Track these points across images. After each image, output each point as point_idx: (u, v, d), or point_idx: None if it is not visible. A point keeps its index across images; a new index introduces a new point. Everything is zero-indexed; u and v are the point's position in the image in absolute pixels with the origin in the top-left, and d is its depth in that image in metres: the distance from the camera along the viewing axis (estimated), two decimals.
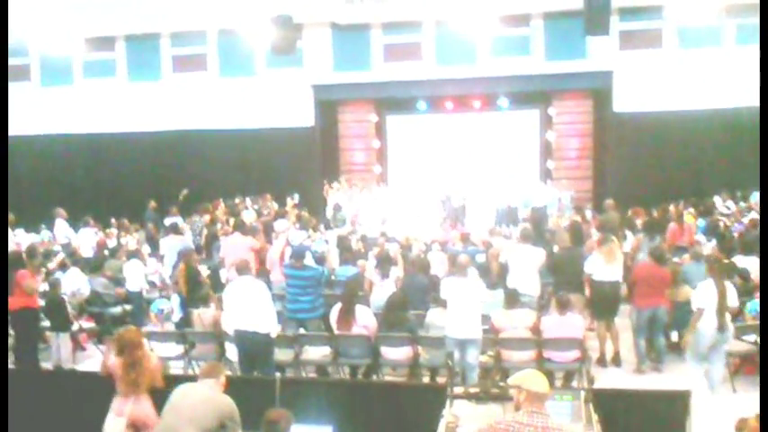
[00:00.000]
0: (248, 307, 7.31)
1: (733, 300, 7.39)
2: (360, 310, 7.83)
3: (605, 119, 17.35)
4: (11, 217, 13.52)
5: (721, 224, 12.38)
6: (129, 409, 5.44)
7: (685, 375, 7.83)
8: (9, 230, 13.57)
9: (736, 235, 11.80)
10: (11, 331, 8.67)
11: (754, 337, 7.72)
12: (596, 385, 6.04)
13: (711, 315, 7.24)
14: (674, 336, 8.79)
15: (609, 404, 5.03)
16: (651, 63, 16.34)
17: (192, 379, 5.46)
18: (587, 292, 8.76)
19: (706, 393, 7.16)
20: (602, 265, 8.59)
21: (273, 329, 7.41)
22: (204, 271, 10.54)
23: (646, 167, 16.25)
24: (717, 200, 14.47)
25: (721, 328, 7.22)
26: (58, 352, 8.87)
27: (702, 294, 7.34)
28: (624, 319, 8.80)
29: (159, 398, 5.19)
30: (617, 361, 8.63)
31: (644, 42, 16.40)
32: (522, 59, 16.77)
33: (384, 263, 9.35)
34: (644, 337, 8.33)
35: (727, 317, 7.28)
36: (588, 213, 14.92)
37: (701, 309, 7.28)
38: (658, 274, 8.31)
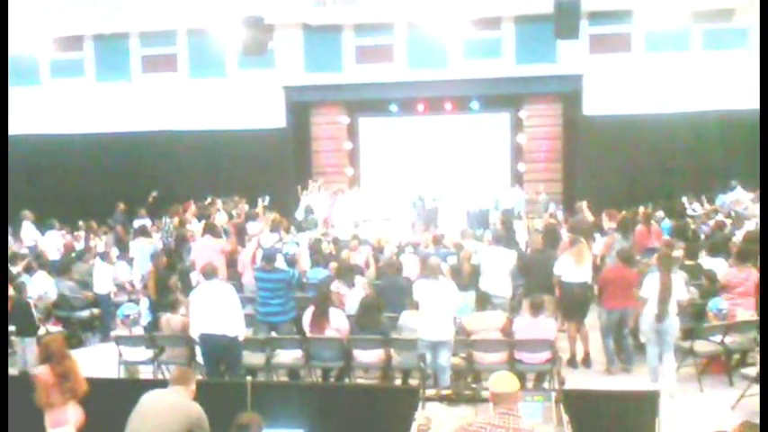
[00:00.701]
0: (215, 310, 7.26)
1: (681, 293, 7.73)
2: (333, 312, 7.80)
3: (575, 122, 17.52)
4: None
5: (689, 227, 12.55)
6: (74, 416, 5.47)
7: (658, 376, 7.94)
8: None
9: (702, 237, 12.01)
10: None
11: (720, 338, 7.85)
12: (567, 386, 6.10)
13: (653, 305, 7.62)
14: (642, 336, 8.89)
15: (579, 405, 5.07)
16: (620, 67, 16.54)
17: (162, 383, 5.39)
18: (557, 293, 8.83)
19: (667, 386, 7.32)
20: (572, 267, 8.66)
21: (241, 332, 7.36)
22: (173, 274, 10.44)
23: (615, 170, 16.44)
24: (683, 202, 14.67)
25: (659, 317, 7.56)
26: (24, 357, 8.71)
27: (648, 285, 7.72)
28: (594, 320, 8.88)
29: (127, 403, 5.10)
30: (587, 362, 8.72)
31: (613, 46, 16.58)
32: (493, 62, 16.86)
33: (346, 274, 9.25)
34: (612, 338, 8.43)
35: (671, 308, 7.59)
36: (560, 215, 15.07)
37: (644, 298, 7.70)
38: (626, 275, 8.41)
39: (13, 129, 18.06)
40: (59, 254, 12.40)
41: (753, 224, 11.51)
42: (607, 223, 11.41)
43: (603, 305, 8.48)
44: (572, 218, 12.82)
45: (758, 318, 7.61)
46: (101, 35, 18.04)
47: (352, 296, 8.74)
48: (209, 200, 15.75)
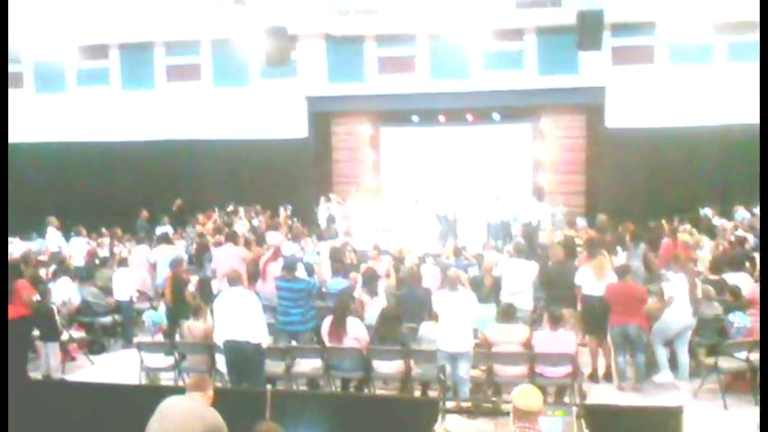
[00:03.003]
0: (239, 317, 7.28)
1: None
2: (351, 322, 7.80)
3: (597, 134, 17.43)
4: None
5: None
6: None
7: (677, 391, 7.86)
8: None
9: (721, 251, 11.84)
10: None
11: (745, 354, 7.74)
12: (588, 401, 6.05)
13: (683, 302, 8.04)
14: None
15: (601, 420, 5.02)
16: (643, 79, 16.45)
17: (182, 390, 5.42)
18: (579, 306, 8.76)
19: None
20: (592, 280, 8.59)
21: (264, 340, 7.38)
22: (194, 281, 10.51)
23: (637, 183, 16.32)
24: (707, 216, 14.51)
25: (695, 312, 8.08)
26: (47, 361, 8.80)
27: (672, 286, 8.13)
28: None
29: (148, 409, 5.12)
30: (608, 376, 8.61)
31: (636, 58, 16.50)
32: (514, 74, 16.85)
33: (371, 281, 9.23)
34: (622, 355, 8.29)
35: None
36: (580, 223, 14.97)
37: (671, 297, 8.05)
38: (631, 291, 8.27)
39: (39, 136, 18.46)
40: (83, 260, 12.52)
41: None
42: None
43: (610, 322, 8.29)
44: (593, 230, 12.75)
45: None
46: (126, 44, 18.30)
47: (373, 305, 8.73)
48: (230, 208, 15.86)
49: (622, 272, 8.54)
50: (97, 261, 12.09)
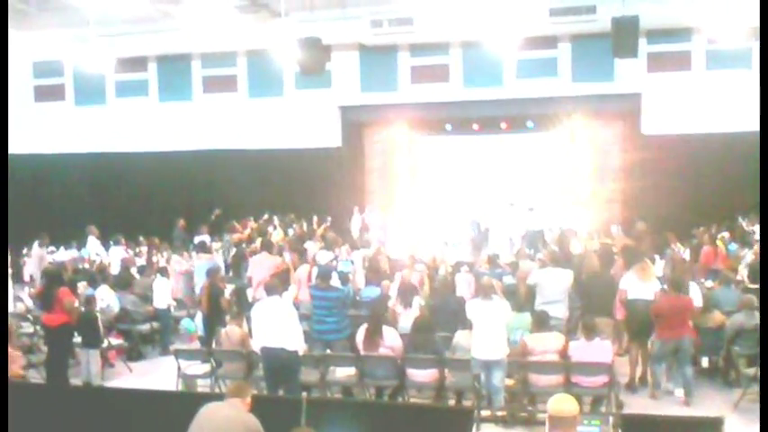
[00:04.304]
0: (276, 325, 7.36)
1: None
2: (386, 330, 7.83)
3: (633, 141, 17.22)
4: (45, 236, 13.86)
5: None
6: None
7: (716, 402, 7.74)
8: (43, 248, 13.88)
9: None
10: (43, 347, 8.81)
11: None
12: (625, 411, 5.97)
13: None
14: (705, 362, 8.67)
15: (638, 430, 4.97)
16: (680, 85, 16.24)
17: (219, 397, 5.49)
18: (618, 315, 8.66)
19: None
20: (637, 283, 8.51)
21: (300, 347, 7.44)
22: (230, 289, 10.64)
23: (674, 190, 16.06)
24: (741, 224, 14.24)
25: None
26: (88, 368, 8.96)
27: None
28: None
29: (185, 416, 5.19)
30: (644, 381, 8.53)
31: (672, 64, 16.29)
32: (549, 81, 16.76)
33: (406, 293, 9.23)
34: (662, 365, 8.19)
35: None
36: (615, 231, 14.81)
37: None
38: (680, 304, 8.17)
39: (80, 147, 18.85)
40: (120, 268, 12.75)
41: None
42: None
43: (658, 335, 8.19)
44: (629, 237, 12.61)
45: None
46: (164, 56, 18.62)
47: (407, 316, 8.74)
48: (265, 217, 16.00)
49: (676, 286, 8.39)
50: (134, 269, 12.30)
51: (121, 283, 11.16)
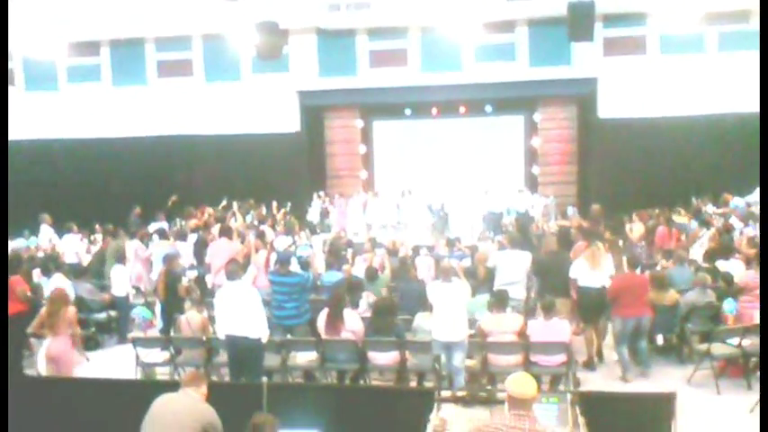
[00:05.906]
0: (239, 312, 7.29)
1: None
2: (347, 314, 7.82)
3: (590, 124, 17.48)
4: None
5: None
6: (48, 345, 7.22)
7: (671, 378, 7.92)
8: None
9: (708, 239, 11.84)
10: None
11: (737, 340, 7.79)
12: (582, 388, 6.07)
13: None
14: (660, 339, 8.86)
15: (595, 407, 5.05)
16: (635, 69, 16.49)
17: (178, 385, 5.43)
18: (573, 295, 8.79)
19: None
20: (588, 271, 8.63)
21: (264, 335, 7.39)
22: (191, 276, 10.51)
23: (629, 173, 16.37)
24: (697, 204, 14.52)
25: None
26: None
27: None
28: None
29: (143, 404, 5.13)
30: (600, 355, 8.75)
31: (628, 49, 16.54)
32: (506, 66, 16.87)
33: (371, 278, 9.29)
34: (626, 345, 8.33)
35: None
36: (571, 213, 15.01)
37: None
38: (638, 282, 8.37)
39: (31, 133, 18.38)
40: (76, 257, 12.51)
41: None
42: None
43: (617, 314, 8.27)
44: (586, 220, 12.78)
45: None
46: (117, 40, 18.23)
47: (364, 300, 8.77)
48: (224, 203, 15.83)
49: (631, 264, 8.67)
50: (90, 257, 12.08)
51: (77, 271, 10.94)
